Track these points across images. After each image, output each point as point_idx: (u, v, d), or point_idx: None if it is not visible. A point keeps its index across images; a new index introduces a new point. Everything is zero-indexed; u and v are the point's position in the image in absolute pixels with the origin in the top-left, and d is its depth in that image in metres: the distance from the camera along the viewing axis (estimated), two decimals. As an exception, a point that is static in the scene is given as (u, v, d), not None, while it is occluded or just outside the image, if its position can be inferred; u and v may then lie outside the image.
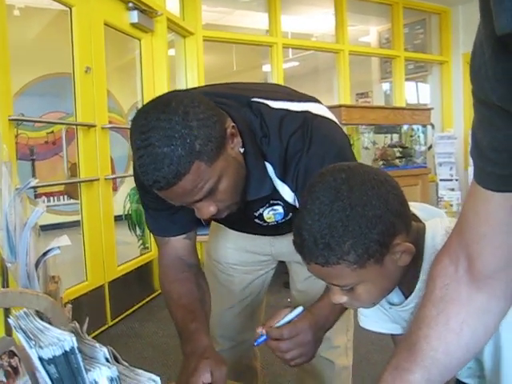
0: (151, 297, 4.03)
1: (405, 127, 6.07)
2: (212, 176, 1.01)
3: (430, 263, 0.87)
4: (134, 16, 3.82)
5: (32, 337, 0.48)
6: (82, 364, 0.48)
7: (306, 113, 1.15)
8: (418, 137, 6.22)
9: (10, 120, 2.53)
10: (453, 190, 6.06)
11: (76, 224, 3.56)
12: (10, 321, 0.50)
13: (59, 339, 0.47)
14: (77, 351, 0.47)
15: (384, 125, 5.66)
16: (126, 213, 4.95)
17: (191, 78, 4.98)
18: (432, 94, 7.47)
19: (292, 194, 1.16)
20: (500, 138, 0.60)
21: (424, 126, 6.04)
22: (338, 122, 1.22)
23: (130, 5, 3.78)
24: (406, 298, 0.94)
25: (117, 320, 3.61)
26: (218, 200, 1.06)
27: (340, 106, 5.16)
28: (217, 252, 1.58)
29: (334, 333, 1.49)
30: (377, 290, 0.88)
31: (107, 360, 0.50)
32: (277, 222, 1.28)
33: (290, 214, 1.25)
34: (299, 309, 1.12)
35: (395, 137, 6.22)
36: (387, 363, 0.82)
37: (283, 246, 1.48)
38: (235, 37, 5.65)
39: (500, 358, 0.82)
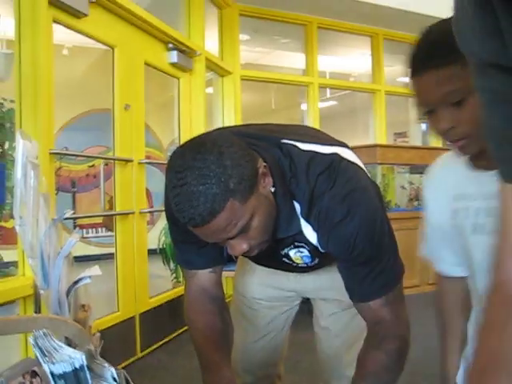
0: (181, 330, 4.05)
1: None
2: (245, 214, 1.04)
3: None
4: (174, 56, 3.97)
5: (46, 353, 0.52)
6: (90, 381, 0.51)
7: (334, 155, 1.18)
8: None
9: (50, 153, 2.65)
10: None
11: (112, 256, 3.64)
12: (30, 339, 0.55)
13: (70, 357, 0.51)
14: (86, 369, 0.51)
15: (420, 165, 5.63)
16: (160, 246, 5.03)
17: (228, 116, 5.09)
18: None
19: (314, 234, 1.19)
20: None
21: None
22: (365, 169, 1.25)
23: (170, 45, 3.93)
24: None
25: (146, 352, 3.64)
26: (250, 238, 1.10)
27: (375, 146, 5.18)
28: (243, 286, 1.61)
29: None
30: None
31: (114, 379, 0.54)
32: (307, 264, 1.31)
33: (317, 258, 1.28)
34: None
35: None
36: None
37: (308, 283, 1.50)
38: (272, 76, 5.78)
39: None
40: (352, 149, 1.30)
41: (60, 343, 0.55)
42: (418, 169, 5.81)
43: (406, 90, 6.39)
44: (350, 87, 6.73)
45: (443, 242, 1.15)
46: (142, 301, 3.63)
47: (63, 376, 0.50)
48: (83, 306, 1.45)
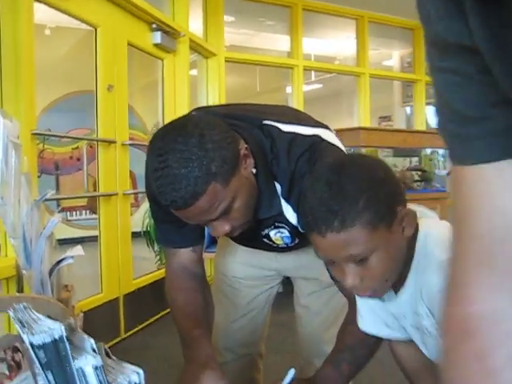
0: (165, 311, 4.07)
1: (426, 151, 6.08)
2: (227, 196, 1.06)
3: (418, 261, 0.91)
4: (158, 37, 3.93)
5: (26, 325, 0.53)
6: (69, 352, 0.53)
7: (315, 137, 1.20)
8: (438, 161, 6.21)
9: (32, 134, 2.63)
10: (472, 215, 6.01)
11: (97, 239, 3.64)
12: (10, 312, 0.56)
13: (50, 328, 0.52)
14: (65, 339, 0.52)
15: (404, 148, 5.67)
16: (144, 229, 5.03)
17: (213, 98, 5.07)
18: (454, 119, 7.45)
19: (295, 215, 1.21)
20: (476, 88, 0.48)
21: (444, 149, 6.03)
22: (345, 151, 1.27)
23: (154, 26, 3.89)
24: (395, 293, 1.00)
25: (130, 333, 3.66)
26: (232, 219, 1.11)
27: (359, 129, 5.20)
28: (223, 266, 1.62)
29: None
30: (389, 259, 0.91)
31: (94, 350, 0.55)
32: (286, 245, 1.33)
33: (297, 239, 1.30)
34: (290, 372, 1.11)
35: (415, 160, 6.23)
36: None
37: (288, 262, 1.52)
38: (257, 58, 5.76)
39: None
40: (333, 131, 1.32)
41: (40, 315, 0.56)
42: (402, 152, 5.85)
43: (390, 73, 6.41)
44: (334, 70, 6.73)
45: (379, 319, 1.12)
46: (125, 282, 3.64)
47: (43, 347, 0.51)
48: (66, 286, 1.45)
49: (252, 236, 1.29)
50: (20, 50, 2.54)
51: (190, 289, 1.33)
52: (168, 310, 4.06)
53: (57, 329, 0.52)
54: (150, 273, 4.22)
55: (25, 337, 0.52)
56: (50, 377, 0.53)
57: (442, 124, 0.53)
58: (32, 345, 0.52)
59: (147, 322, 3.89)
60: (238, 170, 1.07)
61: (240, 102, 1.40)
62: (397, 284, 0.97)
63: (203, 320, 1.28)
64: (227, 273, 1.61)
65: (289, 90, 6.45)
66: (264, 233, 1.30)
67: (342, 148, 1.26)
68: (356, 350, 1.12)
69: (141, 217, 5.14)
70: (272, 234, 1.29)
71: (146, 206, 5.40)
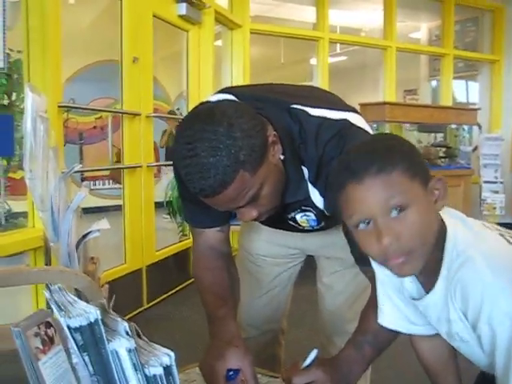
0: (187, 282, 4.13)
1: (452, 127, 5.99)
2: (255, 184, 1.06)
3: (451, 260, 0.90)
4: (183, 8, 3.91)
5: (63, 308, 0.55)
6: (104, 335, 0.54)
7: (344, 121, 1.19)
8: (464, 137, 6.12)
9: (59, 107, 2.65)
10: (497, 192, 5.94)
11: (119, 208, 3.69)
12: (45, 293, 0.57)
13: (85, 311, 0.54)
14: (100, 323, 0.54)
15: (429, 124, 5.59)
16: (167, 199, 5.07)
17: (237, 70, 5.04)
18: (481, 94, 7.31)
19: (321, 199, 1.21)
20: None
21: (470, 126, 5.94)
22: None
23: (179, -3, 3.87)
24: (427, 293, 0.97)
25: (152, 303, 3.73)
26: (260, 205, 1.12)
27: (384, 104, 5.13)
28: (248, 243, 1.63)
29: None
30: (425, 220, 0.87)
31: (127, 333, 0.56)
32: (312, 227, 1.33)
33: (323, 222, 1.30)
34: (313, 353, 1.12)
35: (440, 136, 6.15)
36: None
37: (312, 241, 1.52)
38: (282, 30, 5.68)
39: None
40: (361, 114, 1.30)
41: (74, 297, 0.57)
42: (427, 127, 5.78)
43: (417, 46, 6.29)
44: (361, 43, 6.60)
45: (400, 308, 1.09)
46: (148, 253, 3.70)
47: (79, 329, 0.53)
48: (92, 258, 1.48)
49: (278, 219, 1.29)
50: (46, 20, 2.55)
51: (217, 268, 1.34)
52: (189, 282, 4.14)
53: (92, 313, 0.53)
54: (173, 244, 4.27)
55: (62, 320, 0.53)
56: (87, 358, 0.55)
57: None
58: (69, 327, 0.53)
59: (169, 293, 3.95)
60: (266, 157, 1.07)
61: (267, 83, 1.38)
62: (427, 282, 0.96)
63: (229, 299, 1.29)
64: (251, 250, 1.62)
65: (313, 61, 6.36)
66: (290, 216, 1.30)
67: (371, 132, 1.25)
68: (378, 334, 1.12)
69: (163, 188, 5.18)
70: (298, 217, 1.29)
71: (169, 176, 5.43)
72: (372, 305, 1.12)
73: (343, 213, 0.92)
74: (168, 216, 5.03)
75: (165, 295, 3.90)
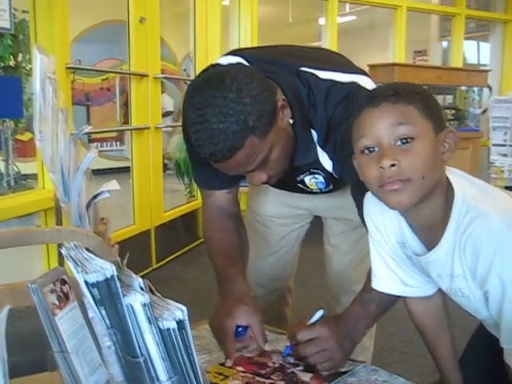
0: (195, 243, 4.18)
1: (462, 88, 5.92)
2: (264, 148, 1.07)
3: (460, 215, 0.91)
4: (190, -34, 3.84)
5: (79, 264, 0.57)
6: (120, 290, 0.56)
7: (353, 84, 1.19)
8: (473, 99, 6.06)
9: (66, 68, 2.64)
10: (505, 155, 5.90)
11: (126, 170, 3.71)
12: (62, 251, 0.59)
13: (102, 267, 0.56)
14: (116, 278, 0.56)
15: (438, 85, 5.53)
16: (175, 161, 5.09)
17: (244, 29, 4.97)
18: (493, 55, 7.20)
19: (330, 162, 1.22)
20: None
21: (480, 87, 5.87)
22: None
23: (186, -46, 3.80)
24: (429, 250, 0.98)
25: (161, 263, 3.79)
26: (269, 169, 1.14)
27: (393, 65, 5.07)
28: (256, 204, 1.65)
29: None
30: (425, 156, 0.89)
31: (142, 289, 0.59)
32: (320, 190, 1.34)
33: (331, 185, 1.31)
34: (319, 312, 1.14)
35: (449, 98, 6.09)
36: None
37: (320, 202, 1.54)
38: (290, -11, 5.58)
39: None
40: (370, 76, 1.30)
41: (90, 254, 0.59)
42: (436, 89, 5.71)
43: (428, 6, 6.14)
44: (370, 2, 6.48)
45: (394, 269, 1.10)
46: (157, 214, 3.74)
47: (96, 285, 0.55)
48: (102, 219, 1.51)
49: (287, 181, 1.30)
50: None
51: (226, 228, 1.37)
52: (198, 242, 4.19)
53: (108, 268, 0.55)
54: (181, 205, 4.31)
55: (79, 276, 0.55)
56: (103, 312, 0.57)
57: None
58: (86, 283, 0.55)
59: (178, 254, 4.01)
60: (275, 122, 1.08)
61: (277, 44, 1.38)
62: (431, 241, 0.97)
63: (238, 258, 1.32)
64: (259, 211, 1.64)
65: (322, 21, 6.26)
66: (299, 178, 1.31)
67: None
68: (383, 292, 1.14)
69: (172, 149, 5.19)
70: (307, 179, 1.31)
71: (176, 138, 5.44)
72: None
73: (353, 136, 0.94)
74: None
75: (173, 256, 3.96)
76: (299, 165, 1.22)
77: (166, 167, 5.01)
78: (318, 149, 1.20)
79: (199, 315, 1.34)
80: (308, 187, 1.33)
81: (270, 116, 1.06)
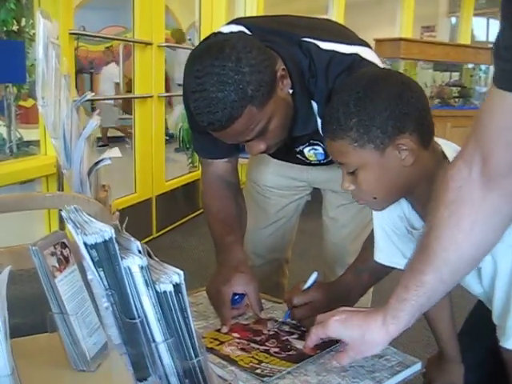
0: (195, 213, 4.20)
1: (468, 66, 5.87)
2: (263, 118, 1.08)
3: None
4: None
5: (79, 226, 0.58)
6: (118, 252, 0.58)
7: (355, 55, 1.18)
8: (480, 77, 6.01)
9: (70, 34, 2.63)
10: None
11: (129, 138, 3.71)
12: (62, 213, 0.60)
13: (101, 230, 0.57)
14: (114, 241, 0.57)
15: (445, 62, 5.49)
16: (177, 131, 5.08)
17: (251, 0, 4.91)
18: (501, 32, 7.10)
19: None
20: (510, 35, 0.63)
21: (488, 66, 5.82)
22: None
23: None
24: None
25: (161, 232, 3.82)
26: (268, 138, 1.14)
27: (400, 40, 5.03)
28: (256, 175, 1.66)
29: None
30: (377, 182, 0.95)
31: (140, 252, 0.60)
32: (319, 161, 1.35)
33: (330, 157, 1.32)
34: (313, 275, 1.17)
35: (456, 75, 6.04)
36: (406, 265, 0.88)
37: (320, 174, 1.55)
38: (298, -41, 5.50)
39: (496, 270, 0.89)
40: (371, 47, 1.29)
41: (90, 217, 0.60)
42: (442, 66, 5.67)
43: (438, -20, 6.01)
44: (379, -25, 6.40)
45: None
46: (158, 183, 3.75)
47: (95, 246, 0.56)
48: (103, 186, 1.52)
49: (286, 152, 1.31)
50: None
51: (225, 197, 1.38)
52: (198, 213, 4.22)
53: (107, 231, 0.56)
54: (182, 175, 4.32)
55: (78, 237, 0.57)
56: (102, 274, 0.58)
57: (498, 46, 0.66)
58: (85, 244, 0.57)
59: (178, 223, 4.04)
60: (274, 92, 1.08)
61: (280, 14, 1.37)
62: (426, 214, 0.98)
63: (236, 227, 1.33)
64: (259, 181, 1.65)
65: (329, -6, 6.18)
66: (298, 149, 1.32)
67: (381, 67, 1.24)
68: (377, 264, 1.16)
69: (174, 119, 5.18)
70: (306, 150, 1.32)
71: (179, 108, 5.42)
72: (373, 235, 1.16)
73: None
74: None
75: (174, 225, 3.98)
76: (298, 135, 1.23)
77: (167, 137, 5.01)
78: (319, 120, 1.21)
79: (198, 284, 1.36)
80: (307, 158, 1.34)
81: (269, 86, 1.06)
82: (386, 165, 0.93)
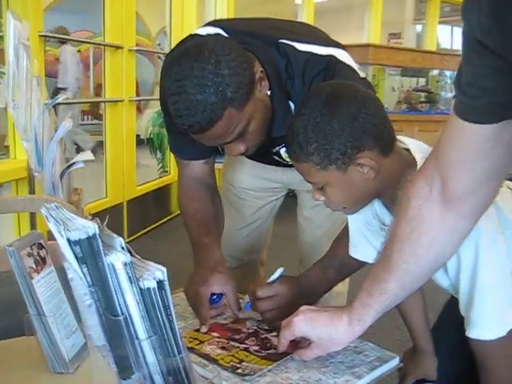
0: (167, 218, 4.18)
1: (434, 72, 5.99)
2: (242, 120, 1.09)
3: None
4: None
5: (61, 223, 0.57)
6: (102, 248, 0.57)
7: (330, 57, 1.20)
8: (446, 83, 6.14)
9: (40, 36, 2.59)
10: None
11: (99, 144, 3.68)
12: (42, 211, 0.59)
13: (84, 226, 0.56)
14: (98, 237, 0.57)
15: (412, 68, 5.59)
16: (148, 136, 5.05)
17: (221, 5, 4.92)
18: (466, 40, 7.25)
19: None
20: (474, 74, 0.67)
21: (453, 72, 5.94)
22: (359, 73, 1.27)
23: None
24: None
25: (133, 237, 3.78)
26: (247, 140, 1.15)
27: (368, 46, 5.10)
28: (232, 176, 1.67)
29: None
30: (344, 195, 0.98)
31: (123, 248, 0.60)
32: None
33: None
34: (279, 270, 1.18)
35: (422, 81, 6.15)
36: (368, 273, 0.92)
37: (295, 176, 1.54)
38: (268, -35, 5.53)
39: (460, 265, 0.92)
40: (347, 50, 1.31)
41: (72, 214, 0.60)
42: (410, 72, 5.77)
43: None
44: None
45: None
46: (129, 188, 3.72)
47: (78, 242, 0.56)
48: (76, 189, 1.50)
49: (263, 153, 1.32)
50: None
51: (201, 198, 1.38)
52: (170, 217, 4.18)
53: (91, 227, 0.56)
54: (153, 180, 4.30)
55: (62, 233, 0.56)
56: (85, 270, 0.58)
57: (460, 82, 0.70)
58: (69, 240, 0.56)
59: (149, 228, 4.01)
60: (253, 93, 1.09)
61: (256, 17, 1.38)
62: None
63: (213, 227, 1.33)
64: (234, 183, 1.65)
65: (298, 0, 6.23)
66: (275, 150, 1.33)
67: (357, 69, 1.26)
68: (345, 260, 1.18)
69: (144, 124, 5.14)
70: (282, 151, 1.32)
71: (149, 112, 5.39)
72: (345, 233, 1.18)
73: None
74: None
75: (145, 230, 3.95)
76: (276, 136, 1.24)
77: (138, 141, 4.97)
78: None
79: (171, 288, 1.35)
80: (284, 160, 1.35)
81: (248, 88, 1.07)
82: (350, 181, 0.96)
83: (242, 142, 1.15)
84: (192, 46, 1.08)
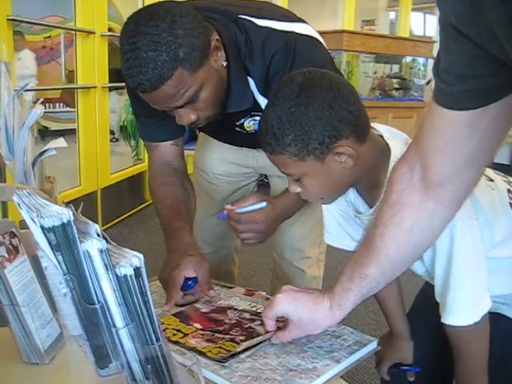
0: (141, 206, 4.15)
1: (407, 59, 6.02)
2: (193, 84, 1.08)
3: None
4: None
5: (34, 210, 0.56)
6: (77, 236, 0.56)
7: (291, 33, 1.20)
8: (419, 70, 6.18)
9: (8, 20, 2.52)
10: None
11: (71, 132, 3.62)
12: (14, 198, 0.58)
13: (58, 212, 0.55)
14: (73, 224, 0.55)
15: (385, 54, 5.61)
16: (121, 124, 4.99)
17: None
18: (438, 27, 7.32)
19: None
20: (450, 60, 0.67)
21: (426, 59, 5.99)
22: (323, 42, 1.27)
23: None
24: (370, 207, 1.03)
25: (108, 225, 3.74)
26: (198, 109, 1.14)
27: (342, 32, 5.10)
28: (203, 162, 1.66)
29: (308, 244, 1.59)
30: (321, 185, 0.97)
31: (98, 235, 0.59)
32: (255, 131, 1.35)
33: None
34: (263, 204, 1.23)
35: (396, 68, 6.18)
36: (350, 258, 0.93)
37: (266, 160, 1.54)
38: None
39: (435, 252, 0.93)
40: (310, 25, 1.30)
41: (45, 201, 0.58)
42: (383, 58, 5.79)
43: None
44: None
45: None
46: (103, 176, 3.68)
47: (52, 229, 0.54)
48: (49, 177, 1.47)
49: (224, 128, 1.33)
50: None
51: (171, 183, 1.37)
52: (144, 205, 4.15)
53: (65, 214, 0.55)
54: (127, 168, 4.25)
55: (35, 220, 0.55)
56: (60, 258, 0.57)
57: (438, 68, 0.70)
58: (42, 227, 0.55)
59: (124, 216, 3.97)
60: (207, 59, 1.09)
61: None
62: (371, 199, 1.01)
63: (183, 212, 1.33)
64: (206, 169, 1.65)
65: (272, -14, 6.20)
66: (239, 123, 1.33)
67: (321, 40, 1.26)
68: None
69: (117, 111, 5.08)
70: (246, 122, 1.32)
71: (123, 99, 5.32)
72: None
73: None
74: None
75: (120, 218, 3.92)
76: (232, 111, 1.23)
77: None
78: (260, 97, 1.22)
79: (148, 276, 1.34)
80: (245, 129, 1.34)
81: (202, 52, 1.07)
82: (327, 171, 0.95)
83: (193, 110, 1.14)
84: (150, 7, 1.09)
